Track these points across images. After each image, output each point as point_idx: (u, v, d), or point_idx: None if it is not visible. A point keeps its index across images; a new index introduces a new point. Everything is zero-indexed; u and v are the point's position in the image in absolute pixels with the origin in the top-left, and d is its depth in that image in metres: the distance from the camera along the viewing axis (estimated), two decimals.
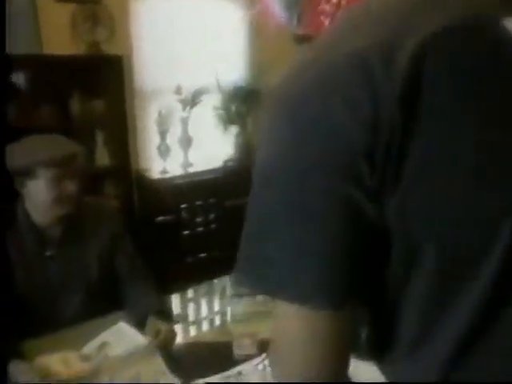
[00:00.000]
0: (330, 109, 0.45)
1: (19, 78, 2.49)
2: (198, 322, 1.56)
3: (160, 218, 2.42)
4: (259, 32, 3.28)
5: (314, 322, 0.49)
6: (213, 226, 2.57)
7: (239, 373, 1.22)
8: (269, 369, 1.22)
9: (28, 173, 1.37)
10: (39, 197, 1.40)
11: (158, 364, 1.24)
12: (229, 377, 1.20)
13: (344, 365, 0.53)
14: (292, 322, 0.50)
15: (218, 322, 1.57)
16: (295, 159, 0.46)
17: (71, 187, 1.40)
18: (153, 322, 1.36)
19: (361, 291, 0.49)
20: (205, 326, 1.55)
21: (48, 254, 1.47)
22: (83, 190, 1.47)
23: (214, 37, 3.15)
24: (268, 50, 3.30)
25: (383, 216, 0.45)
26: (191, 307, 1.68)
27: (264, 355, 1.27)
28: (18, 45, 2.37)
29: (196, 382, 1.18)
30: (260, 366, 1.24)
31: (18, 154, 1.39)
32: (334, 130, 0.44)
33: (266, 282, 0.50)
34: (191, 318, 1.59)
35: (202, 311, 1.64)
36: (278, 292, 0.49)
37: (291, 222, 0.47)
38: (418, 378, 0.51)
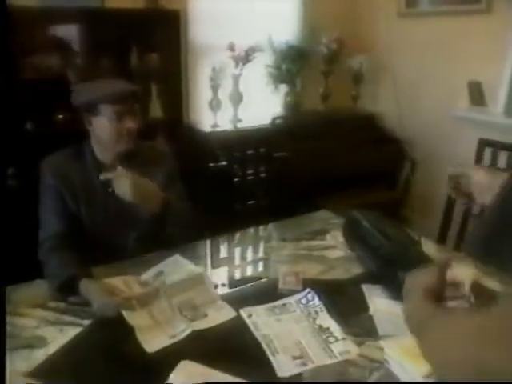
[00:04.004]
0: None
1: (80, 31, 2.61)
2: (243, 265, 1.65)
3: (212, 165, 2.53)
4: None
5: None
6: (262, 175, 2.67)
7: (283, 304, 1.32)
8: (311, 303, 1.32)
9: (92, 109, 1.49)
10: (102, 132, 1.52)
11: (210, 291, 1.35)
12: (274, 307, 1.31)
13: None
14: None
15: (262, 265, 1.66)
16: None
17: (131, 124, 1.52)
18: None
19: None
20: (249, 270, 1.64)
21: (110, 190, 1.58)
22: (141, 132, 1.57)
23: None
24: (320, 12, 3.30)
25: None
26: (237, 251, 1.78)
27: (307, 290, 1.36)
28: None
29: (245, 308, 1.29)
30: (303, 300, 1.33)
31: (84, 92, 1.52)
32: None
33: None
34: (237, 261, 1.68)
35: (247, 255, 1.74)
36: None
37: None
38: None
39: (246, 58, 3.00)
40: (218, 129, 2.97)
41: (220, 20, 3.01)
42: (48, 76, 2.49)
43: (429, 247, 1.58)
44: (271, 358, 1.10)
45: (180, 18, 2.69)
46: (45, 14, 2.39)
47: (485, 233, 0.46)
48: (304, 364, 1.09)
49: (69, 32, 2.57)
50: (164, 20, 2.67)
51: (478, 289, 1.39)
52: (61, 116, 2.54)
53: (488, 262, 0.45)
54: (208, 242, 1.75)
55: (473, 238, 0.46)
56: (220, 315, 1.27)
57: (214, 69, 2.93)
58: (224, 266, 1.60)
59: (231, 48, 2.97)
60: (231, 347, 1.15)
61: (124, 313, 1.21)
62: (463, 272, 1.48)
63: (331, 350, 1.13)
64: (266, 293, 1.39)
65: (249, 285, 1.46)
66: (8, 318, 1.24)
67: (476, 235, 0.46)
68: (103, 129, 1.52)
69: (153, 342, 1.15)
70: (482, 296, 1.05)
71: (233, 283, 1.48)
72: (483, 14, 2.85)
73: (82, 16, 2.46)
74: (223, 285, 1.44)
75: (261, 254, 1.72)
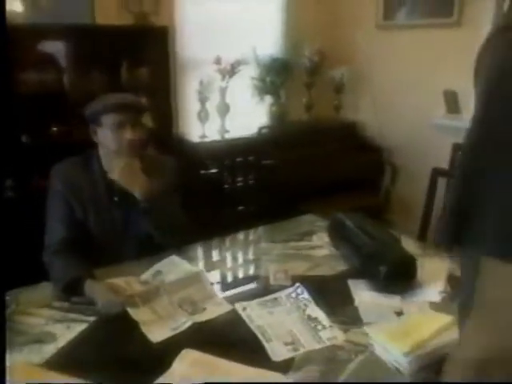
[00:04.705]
0: None
1: (73, 47, 2.71)
2: (235, 266, 1.75)
3: (203, 173, 2.64)
4: (295, 9, 3.43)
5: None
6: (251, 182, 2.79)
7: (275, 299, 1.42)
8: (301, 296, 1.43)
9: (96, 120, 1.59)
10: (106, 143, 1.61)
11: (207, 288, 1.45)
12: (266, 301, 1.41)
13: None
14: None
15: (253, 265, 1.76)
16: None
17: (130, 134, 1.58)
18: None
19: None
20: (242, 269, 1.74)
21: (115, 199, 1.67)
22: (146, 142, 1.66)
23: (252, 11, 3.31)
24: (301, 26, 3.44)
25: None
26: (229, 253, 1.87)
27: (296, 285, 1.47)
28: (73, 16, 2.59)
29: (240, 303, 1.39)
30: (293, 294, 1.44)
31: (91, 105, 1.61)
32: None
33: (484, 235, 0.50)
34: (229, 262, 1.78)
35: (239, 256, 1.84)
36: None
37: None
38: None
39: (231, 71, 3.12)
40: (207, 139, 3.08)
41: (206, 35, 3.14)
42: (41, 90, 2.58)
43: (409, 244, 1.70)
44: (265, 344, 1.20)
45: (168, 34, 2.80)
46: (38, 30, 2.49)
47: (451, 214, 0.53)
48: (295, 349, 1.19)
49: (62, 48, 2.67)
50: (153, 36, 2.78)
51: (453, 281, 1.51)
52: (55, 128, 2.63)
53: (457, 245, 0.53)
54: (201, 246, 1.85)
55: (441, 224, 0.54)
56: (217, 309, 1.37)
57: (201, 82, 3.04)
58: (217, 267, 1.70)
59: (217, 62, 3.09)
60: (229, 336, 1.25)
61: (128, 309, 1.30)
62: (439, 266, 1.60)
63: (320, 337, 1.24)
64: (258, 289, 1.50)
65: (242, 283, 1.56)
66: (17, 318, 1.33)
67: (443, 220, 0.54)
68: (107, 138, 1.60)
69: (157, 333, 1.24)
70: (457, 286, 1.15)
71: (226, 282, 1.58)
72: (454, 27, 3.03)
73: (74, 32, 2.57)
74: (218, 283, 1.54)
75: (252, 254, 1.82)
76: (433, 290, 1.46)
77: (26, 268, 1.58)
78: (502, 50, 0.49)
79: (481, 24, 2.89)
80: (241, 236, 1.97)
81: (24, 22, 2.47)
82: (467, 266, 0.53)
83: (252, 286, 1.54)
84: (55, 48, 2.67)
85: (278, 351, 1.18)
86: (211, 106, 3.15)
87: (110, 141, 1.60)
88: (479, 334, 0.47)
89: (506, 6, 2.80)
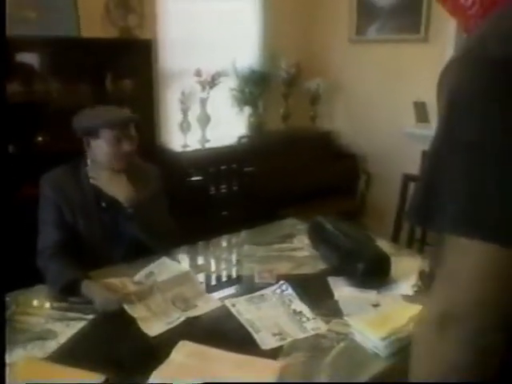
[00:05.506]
0: None
1: (58, 58, 2.78)
2: (221, 267, 1.85)
3: (187, 181, 2.74)
4: (272, 23, 3.58)
5: (497, 260, 0.51)
6: (234, 188, 2.90)
7: (261, 295, 1.53)
8: (285, 292, 1.54)
9: (92, 133, 1.67)
10: (100, 154, 1.70)
11: (197, 286, 1.55)
12: (253, 298, 1.52)
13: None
14: (469, 258, 0.53)
15: (239, 265, 1.86)
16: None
17: (127, 147, 1.70)
18: None
19: None
20: (227, 270, 1.83)
21: (103, 205, 1.77)
22: (135, 153, 1.76)
23: (230, 25, 3.45)
24: (279, 39, 3.59)
25: None
26: (215, 255, 1.97)
27: (281, 282, 1.58)
28: (59, 29, 2.67)
29: (229, 300, 1.49)
30: (278, 290, 1.55)
31: (86, 117, 1.70)
32: None
33: (444, 216, 0.54)
34: (215, 263, 1.87)
35: (224, 257, 1.94)
36: (457, 227, 0.53)
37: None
38: None
39: (212, 82, 3.24)
40: (189, 149, 3.18)
41: (188, 48, 3.25)
42: (27, 101, 2.64)
43: (383, 245, 1.83)
44: (255, 335, 1.31)
45: (152, 47, 2.91)
46: (25, 42, 2.56)
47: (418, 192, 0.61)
48: (283, 339, 1.30)
49: (48, 59, 2.74)
50: (137, 49, 2.88)
51: (424, 276, 1.64)
52: (40, 138, 2.69)
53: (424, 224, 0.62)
54: (188, 249, 1.94)
55: (411, 201, 0.62)
56: (208, 305, 1.47)
57: (183, 93, 3.15)
58: (203, 269, 1.79)
59: (198, 74, 3.20)
60: (220, 329, 1.35)
61: (125, 306, 1.39)
62: (411, 264, 1.74)
63: (305, 328, 1.35)
64: (245, 288, 1.60)
65: (229, 283, 1.67)
66: (18, 317, 1.40)
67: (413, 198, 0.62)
68: (102, 151, 1.69)
69: (153, 328, 1.33)
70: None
71: (214, 282, 1.68)
72: (422, 42, 3.22)
73: (60, 45, 2.64)
74: (206, 283, 1.64)
75: (237, 256, 1.92)
76: (405, 285, 1.59)
77: (16, 273, 1.65)
78: (457, 75, 0.59)
79: (445, 40, 3.09)
80: (225, 239, 2.07)
81: (10, 33, 2.53)
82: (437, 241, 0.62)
83: (239, 284, 1.65)
84: (41, 59, 2.74)
85: (266, 341, 1.28)
86: (192, 116, 3.25)
87: (105, 153, 1.69)
88: (438, 297, 0.58)
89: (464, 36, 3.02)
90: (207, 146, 3.30)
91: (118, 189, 1.70)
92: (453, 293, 0.54)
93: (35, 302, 1.51)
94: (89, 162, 1.76)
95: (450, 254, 0.55)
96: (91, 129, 1.68)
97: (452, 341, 0.53)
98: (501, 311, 0.52)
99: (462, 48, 0.61)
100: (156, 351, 1.24)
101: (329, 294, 1.55)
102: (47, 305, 1.49)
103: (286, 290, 1.55)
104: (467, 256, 0.53)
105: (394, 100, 3.46)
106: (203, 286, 1.57)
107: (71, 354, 1.24)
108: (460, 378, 0.53)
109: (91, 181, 1.72)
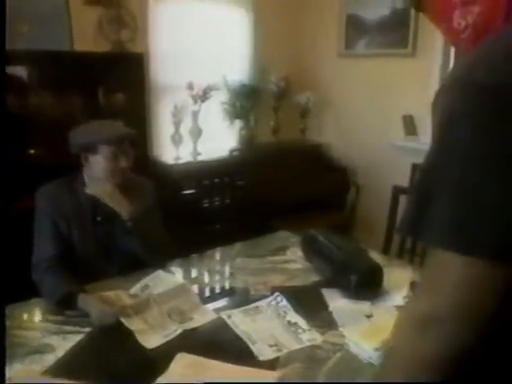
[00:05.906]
0: None
1: (52, 72, 2.80)
2: (214, 280, 1.86)
3: (179, 194, 2.75)
4: (262, 38, 3.63)
5: (480, 272, 0.54)
6: (227, 201, 2.92)
7: (256, 307, 1.55)
8: (280, 304, 1.56)
9: (90, 149, 1.69)
10: (98, 169, 1.71)
11: (193, 299, 1.56)
12: (248, 310, 1.53)
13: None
14: (450, 269, 0.56)
15: (233, 278, 1.87)
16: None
17: (124, 163, 1.72)
18: None
19: None
20: (221, 282, 1.85)
21: (99, 218, 1.78)
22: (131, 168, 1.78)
23: (221, 39, 3.50)
24: (269, 54, 3.65)
25: None
26: (208, 269, 1.98)
27: (275, 294, 1.60)
28: (52, 42, 2.69)
29: (225, 312, 1.51)
30: (273, 302, 1.57)
31: (83, 133, 1.71)
32: None
33: (432, 230, 0.58)
34: (207, 279, 1.89)
35: (218, 270, 1.95)
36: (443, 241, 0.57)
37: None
38: None
39: (203, 96, 3.27)
40: (181, 161, 3.20)
41: (180, 62, 3.29)
42: (19, 114, 2.65)
43: (374, 257, 1.86)
44: (251, 346, 1.33)
45: (144, 61, 2.94)
46: (18, 56, 2.57)
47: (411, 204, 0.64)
48: (279, 350, 1.32)
49: (41, 73, 2.75)
50: (129, 62, 2.91)
51: (415, 287, 1.67)
52: (32, 151, 2.69)
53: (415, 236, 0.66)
54: (183, 261, 1.95)
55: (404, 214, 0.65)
56: (204, 317, 1.48)
57: (175, 106, 3.18)
58: (198, 281, 1.81)
59: (190, 87, 3.23)
60: (217, 341, 1.37)
61: (122, 319, 1.40)
62: (402, 275, 1.77)
63: (300, 339, 1.37)
64: (240, 300, 1.62)
65: (223, 295, 1.68)
66: (13, 332, 1.40)
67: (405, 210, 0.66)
68: (99, 166, 1.71)
69: (151, 340, 1.34)
70: None
71: (209, 295, 1.70)
72: (409, 57, 3.29)
73: (53, 58, 2.66)
74: (201, 296, 1.66)
75: (230, 268, 1.94)
76: (398, 296, 1.62)
77: (11, 286, 1.65)
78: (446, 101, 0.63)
79: (432, 55, 3.17)
80: (218, 252, 2.09)
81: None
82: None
83: (233, 296, 1.67)
84: (33, 73, 2.75)
85: (263, 352, 1.30)
86: (184, 129, 3.28)
87: (102, 168, 1.71)
88: (422, 299, 0.61)
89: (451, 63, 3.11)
90: (199, 158, 3.33)
91: (118, 202, 1.72)
92: (435, 297, 0.58)
93: (31, 316, 1.51)
94: (85, 176, 1.78)
95: (435, 263, 0.60)
96: (89, 145, 1.69)
97: (433, 340, 0.57)
98: (478, 315, 0.55)
99: (453, 73, 0.64)
100: (154, 364, 1.25)
101: (323, 305, 1.57)
102: (43, 318, 1.49)
103: (281, 301, 1.57)
104: (448, 266, 0.57)
105: (383, 113, 3.52)
106: (199, 299, 1.58)
107: (69, 368, 1.24)
108: (435, 375, 0.57)
109: (89, 192, 1.73)
